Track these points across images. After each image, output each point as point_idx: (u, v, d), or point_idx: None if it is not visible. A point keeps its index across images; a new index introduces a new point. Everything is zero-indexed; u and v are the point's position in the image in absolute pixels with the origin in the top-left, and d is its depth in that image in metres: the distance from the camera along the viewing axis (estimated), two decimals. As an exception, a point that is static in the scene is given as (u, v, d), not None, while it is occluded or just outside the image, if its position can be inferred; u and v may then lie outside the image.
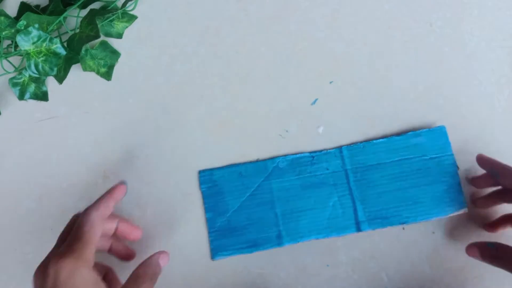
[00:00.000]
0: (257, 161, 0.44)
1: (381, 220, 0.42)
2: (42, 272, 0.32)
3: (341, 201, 0.42)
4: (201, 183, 0.43)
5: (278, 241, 0.41)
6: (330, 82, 0.46)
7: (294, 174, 0.43)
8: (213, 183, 0.43)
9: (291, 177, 0.43)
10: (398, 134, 0.44)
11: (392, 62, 0.47)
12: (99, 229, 0.35)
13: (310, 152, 0.44)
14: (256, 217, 0.42)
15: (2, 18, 0.42)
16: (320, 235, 0.42)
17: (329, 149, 0.44)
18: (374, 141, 0.43)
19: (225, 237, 0.42)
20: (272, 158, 0.44)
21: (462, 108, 0.46)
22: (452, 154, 0.43)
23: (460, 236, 0.42)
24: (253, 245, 0.41)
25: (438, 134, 0.43)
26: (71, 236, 0.33)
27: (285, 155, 0.44)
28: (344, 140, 0.44)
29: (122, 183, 0.41)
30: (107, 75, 0.46)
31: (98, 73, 0.46)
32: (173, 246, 0.42)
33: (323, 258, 0.42)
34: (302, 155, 0.43)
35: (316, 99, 0.46)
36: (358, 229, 0.42)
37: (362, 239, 0.42)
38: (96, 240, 0.34)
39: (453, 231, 0.43)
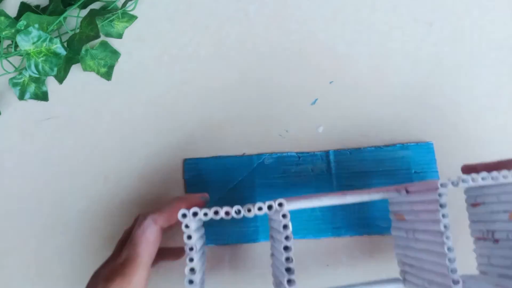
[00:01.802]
0: (243, 155, 0.44)
1: (359, 228, 0.42)
2: (93, 282, 0.31)
3: None
4: (185, 171, 0.43)
5: (254, 237, 0.41)
6: (330, 82, 0.46)
7: (279, 172, 0.43)
8: (197, 172, 0.43)
9: (275, 175, 0.43)
10: (393, 141, 0.44)
11: (392, 62, 0.47)
12: (155, 247, 0.32)
13: (297, 153, 0.43)
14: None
15: (2, 18, 0.42)
16: (297, 236, 0.42)
17: (318, 151, 0.44)
18: (362, 149, 0.43)
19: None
20: (258, 154, 0.43)
21: (462, 108, 0.46)
22: (436, 171, 0.43)
23: (459, 238, 0.42)
24: (228, 238, 0.41)
25: (425, 149, 0.43)
26: (125, 255, 0.31)
27: (272, 153, 0.44)
28: (344, 141, 0.44)
29: (203, 198, 0.36)
30: (107, 75, 0.46)
31: (98, 73, 0.46)
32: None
33: (323, 258, 0.42)
34: (288, 154, 0.43)
35: (316, 99, 0.46)
36: (335, 234, 0.41)
37: (362, 239, 0.42)
38: (150, 261, 0.31)
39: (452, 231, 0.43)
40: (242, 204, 0.41)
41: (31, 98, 0.45)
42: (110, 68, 0.46)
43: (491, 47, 0.47)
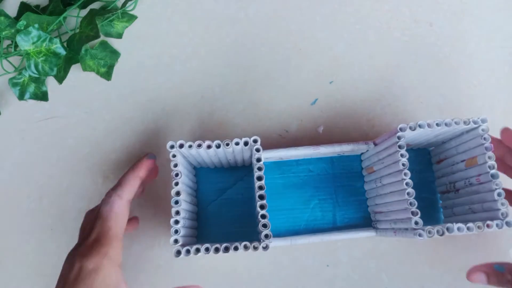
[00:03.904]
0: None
1: (359, 228, 0.41)
2: (69, 262, 0.32)
3: (322, 204, 0.42)
4: None
5: (254, 237, 0.41)
6: (330, 82, 0.46)
7: (278, 172, 0.43)
8: (196, 172, 0.43)
9: (275, 175, 0.42)
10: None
11: (392, 62, 0.47)
12: (125, 219, 0.34)
13: None
14: (235, 210, 0.42)
15: (2, 18, 0.42)
16: (297, 236, 0.41)
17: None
18: None
19: (202, 228, 0.41)
20: None
21: (462, 108, 0.46)
22: (434, 171, 0.43)
23: (460, 237, 0.42)
24: (227, 238, 0.41)
25: (424, 150, 0.43)
26: (97, 230, 0.32)
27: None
28: (343, 141, 0.44)
29: (149, 157, 0.38)
30: (107, 75, 0.46)
31: (98, 73, 0.46)
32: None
33: (323, 258, 0.42)
34: None
35: (316, 99, 0.46)
36: (335, 234, 0.41)
37: (362, 239, 0.42)
38: (122, 233, 0.33)
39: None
40: (242, 205, 0.42)
41: (31, 98, 0.45)
42: (110, 68, 0.46)
43: (491, 47, 0.47)
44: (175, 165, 0.34)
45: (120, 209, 0.33)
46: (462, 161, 0.37)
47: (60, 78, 0.45)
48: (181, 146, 0.35)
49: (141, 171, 0.36)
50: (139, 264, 0.42)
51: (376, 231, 0.40)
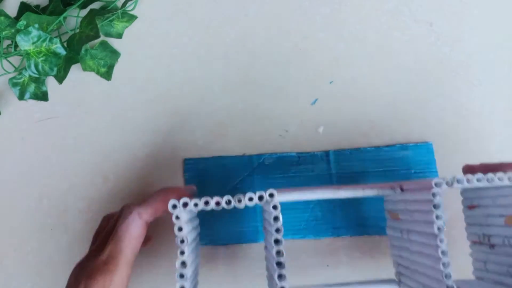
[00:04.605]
0: (243, 155, 0.43)
1: (359, 228, 0.41)
2: (75, 278, 0.31)
3: (322, 204, 0.42)
4: (185, 171, 0.43)
5: (255, 236, 0.41)
6: (330, 82, 0.46)
7: (279, 172, 0.43)
8: (197, 172, 0.43)
9: (275, 174, 0.42)
10: (393, 141, 0.44)
11: (392, 62, 0.47)
12: (139, 242, 0.32)
13: (297, 153, 0.43)
14: (235, 210, 0.41)
15: (2, 18, 0.42)
16: (297, 236, 0.41)
17: (317, 151, 0.43)
18: (362, 149, 0.43)
19: (202, 227, 0.41)
20: (258, 154, 0.43)
21: (462, 108, 0.46)
22: (436, 171, 0.43)
23: (462, 241, 0.42)
24: (228, 239, 0.41)
25: (424, 150, 0.43)
26: (109, 249, 0.30)
27: (272, 153, 0.44)
28: (344, 141, 0.44)
29: (188, 189, 0.35)
30: (107, 75, 0.46)
31: (98, 73, 0.46)
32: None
33: (323, 258, 0.42)
34: (288, 154, 0.43)
35: (316, 99, 0.46)
36: (335, 234, 0.41)
37: (362, 239, 0.42)
38: (133, 257, 0.31)
39: (452, 231, 0.43)
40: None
41: (31, 98, 0.45)
42: (110, 68, 0.46)
43: (491, 47, 0.47)
44: (180, 229, 0.29)
45: (136, 231, 0.31)
46: (500, 215, 0.33)
47: (60, 78, 0.45)
48: (185, 205, 0.29)
49: (173, 195, 0.31)
50: (140, 264, 0.42)
51: (399, 285, 0.36)
